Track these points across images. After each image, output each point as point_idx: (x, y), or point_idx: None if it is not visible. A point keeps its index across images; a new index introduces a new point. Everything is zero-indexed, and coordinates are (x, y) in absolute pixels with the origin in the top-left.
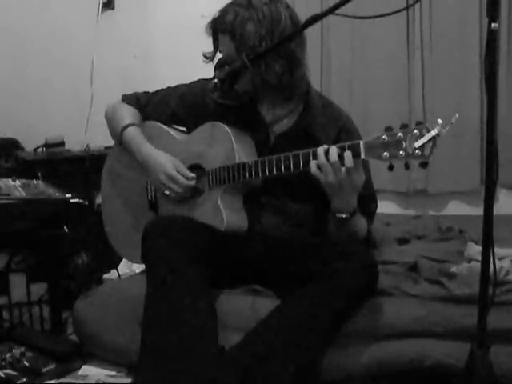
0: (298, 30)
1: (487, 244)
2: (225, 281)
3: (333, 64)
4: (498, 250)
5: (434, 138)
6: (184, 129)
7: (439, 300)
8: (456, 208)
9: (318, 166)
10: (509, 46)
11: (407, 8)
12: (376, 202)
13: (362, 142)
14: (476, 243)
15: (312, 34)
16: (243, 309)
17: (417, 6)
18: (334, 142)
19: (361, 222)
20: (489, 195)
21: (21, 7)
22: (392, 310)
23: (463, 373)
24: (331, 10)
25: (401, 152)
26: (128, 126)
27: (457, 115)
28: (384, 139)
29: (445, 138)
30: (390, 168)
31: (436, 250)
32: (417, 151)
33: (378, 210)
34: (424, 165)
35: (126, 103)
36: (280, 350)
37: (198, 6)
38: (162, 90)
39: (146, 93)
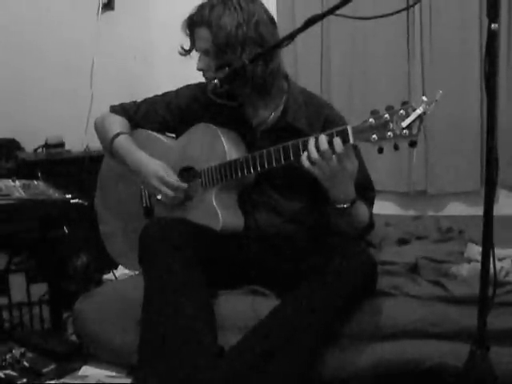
0: (299, 29)
1: (487, 244)
2: (224, 281)
3: (333, 64)
4: (498, 251)
5: (420, 117)
6: (173, 135)
7: (439, 300)
8: (456, 208)
9: (309, 159)
10: (509, 45)
11: (407, 8)
12: (373, 188)
13: (349, 127)
14: (476, 243)
15: (312, 34)
16: (243, 309)
17: (417, 6)
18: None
19: (362, 209)
20: (489, 195)
21: (20, 7)
22: (392, 310)
23: (463, 373)
24: (331, 11)
25: (389, 133)
26: (118, 135)
27: (440, 91)
28: (371, 122)
29: (445, 138)
30: (380, 151)
31: (436, 250)
32: (404, 131)
33: (378, 211)
34: (413, 144)
35: (115, 114)
36: (279, 350)
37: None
38: (150, 98)
39: (134, 102)
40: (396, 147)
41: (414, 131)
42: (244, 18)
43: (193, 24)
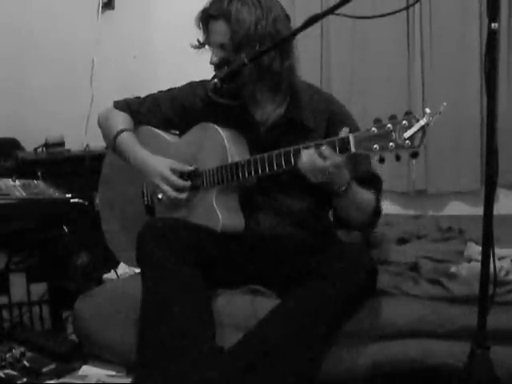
0: (299, 29)
1: (487, 244)
2: (224, 281)
3: (333, 63)
4: (498, 250)
5: (423, 128)
6: (177, 132)
7: (439, 300)
8: (456, 208)
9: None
10: (509, 45)
11: (407, 8)
12: (380, 179)
13: (351, 136)
14: (476, 243)
15: (312, 34)
16: (243, 309)
17: (417, 5)
18: (326, 129)
19: (363, 192)
20: (489, 195)
21: (20, 7)
22: (392, 310)
23: (463, 373)
24: (331, 10)
25: (391, 144)
26: (121, 131)
27: (444, 103)
28: (373, 131)
29: (445, 137)
30: (381, 161)
31: (436, 250)
32: (407, 142)
33: None
34: (415, 155)
35: (118, 109)
36: (279, 350)
37: (197, 5)
38: (153, 94)
39: (138, 98)
40: (398, 158)
41: (416, 142)
42: (262, 13)
43: (208, 17)
